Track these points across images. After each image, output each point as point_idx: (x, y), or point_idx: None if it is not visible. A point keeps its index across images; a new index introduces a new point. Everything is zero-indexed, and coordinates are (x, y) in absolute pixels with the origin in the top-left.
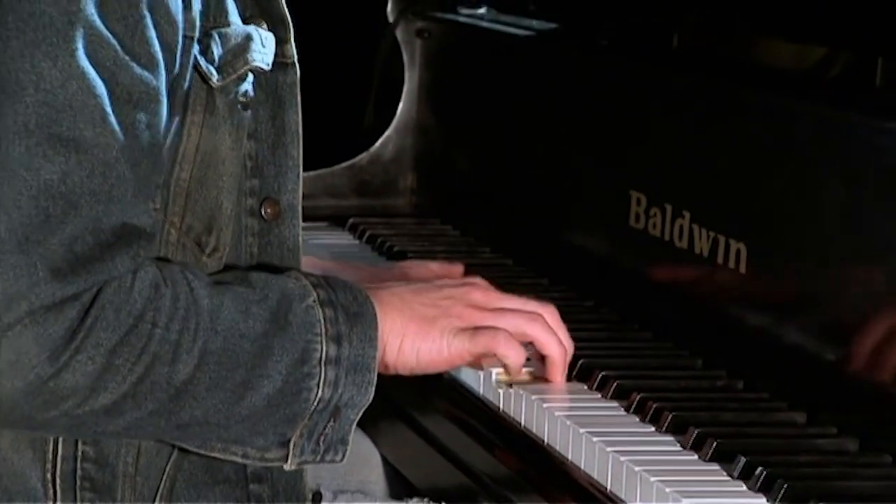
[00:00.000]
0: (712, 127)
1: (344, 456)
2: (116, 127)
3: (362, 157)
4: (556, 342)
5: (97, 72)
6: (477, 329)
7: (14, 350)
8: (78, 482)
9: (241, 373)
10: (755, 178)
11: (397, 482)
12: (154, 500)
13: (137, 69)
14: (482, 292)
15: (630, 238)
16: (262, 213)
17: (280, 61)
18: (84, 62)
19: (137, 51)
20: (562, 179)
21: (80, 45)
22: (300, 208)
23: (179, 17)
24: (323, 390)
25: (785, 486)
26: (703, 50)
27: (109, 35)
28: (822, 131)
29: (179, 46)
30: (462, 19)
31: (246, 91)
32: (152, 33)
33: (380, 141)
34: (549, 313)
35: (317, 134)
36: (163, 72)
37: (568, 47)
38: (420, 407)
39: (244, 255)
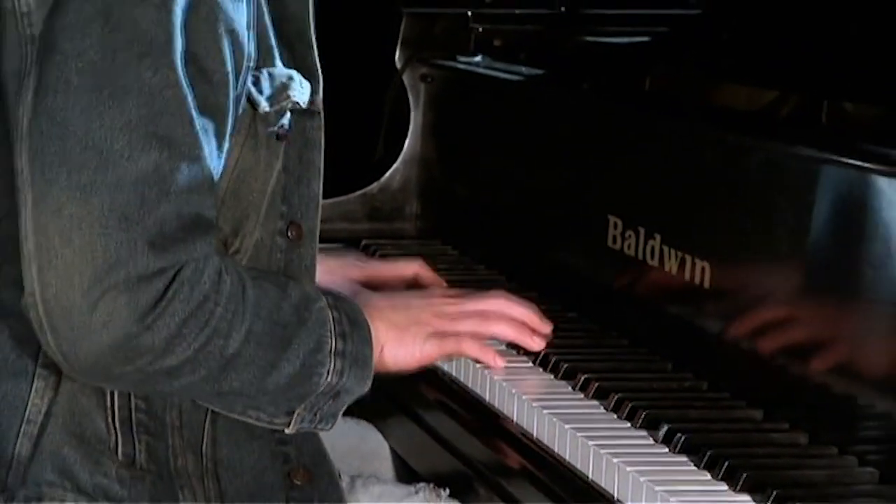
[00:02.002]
0: (680, 160)
1: (332, 426)
2: (199, 131)
3: (373, 187)
4: (514, 330)
5: (186, 83)
6: (445, 335)
7: (108, 310)
8: (134, 427)
9: (272, 353)
10: (717, 205)
11: (404, 470)
12: (201, 447)
13: (213, 84)
14: (445, 299)
15: (608, 257)
16: (289, 234)
17: (310, 109)
18: (177, 74)
19: (214, 68)
20: (548, 205)
21: (175, 59)
22: (318, 232)
23: (245, 48)
24: (331, 376)
25: (745, 475)
26: (672, 92)
27: (194, 53)
28: (774, 164)
29: (243, 72)
30: (461, 66)
31: (283, 125)
32: (227, 56)
33: (389, 172)
34: (502, 302)
35: (335, 166)
36: (231, 90)
37: (553, 90)
38: (424, 405)
39: (273, 268)
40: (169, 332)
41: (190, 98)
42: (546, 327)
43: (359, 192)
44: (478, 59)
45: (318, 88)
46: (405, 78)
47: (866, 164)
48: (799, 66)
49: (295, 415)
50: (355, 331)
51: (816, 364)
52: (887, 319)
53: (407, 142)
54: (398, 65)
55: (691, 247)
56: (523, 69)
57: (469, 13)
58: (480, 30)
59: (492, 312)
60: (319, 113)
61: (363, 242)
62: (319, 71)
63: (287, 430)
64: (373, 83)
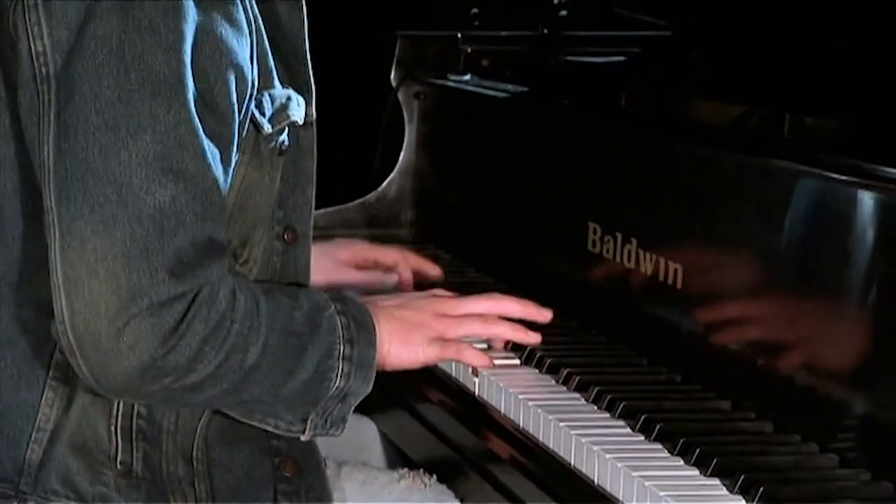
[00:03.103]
0: (653, 171)
1: (342, 431)
2: (210, 161)
3: (371, 196)
4: (512, 329)
5: (196, 116)
6: (447, 341)
7: (134, 335)
8: (133, 434)
9: (288, 362)
10: (688, 212)
11: (396, 457)
12: (192, 450)
13: (219, 115)
14: (446, 302)
15: (588, 260)
16: (285, 237)
17: (304, 121)
18: (189, 110)
19: (220, 100)
20: (532, 212)
21: (186, 96)
22: (311, 235)
23: (248, 78)
24: (340, 380)
25: (715, 460)
26: (646, 108)
27: (201, 87)
28: (741, 173)
29: (246, 100)
30: (451, 84)
31: (283, 141)
32: (231, 88)
33: (385, 182)
34: (501, 303)
35: (335, 177)
36: (235, 119)
37: (536, 107)
38: (417, 397)
39: (270, 269)
40: (191, 351)
41: (200, 131)
42: (545, 314)
43: (358, 201)
44: (467, 77)
45: (311, 101)
46: (400, 95)
47: (825, 174)
48: (763, 84)
49: (309, 421)
50: (362, 334)
51: (780, 358)
52: (846, 317)
53: (402, 154)
54: (393, 83)
55: (665, 251)
56: (509, 87)
57: (459, 35)
58: (469, 51)
59: (491, 315)
60: (312, 123)
61: None
62: (313, 85)
63: (303, 437)
64: (370, 100)
